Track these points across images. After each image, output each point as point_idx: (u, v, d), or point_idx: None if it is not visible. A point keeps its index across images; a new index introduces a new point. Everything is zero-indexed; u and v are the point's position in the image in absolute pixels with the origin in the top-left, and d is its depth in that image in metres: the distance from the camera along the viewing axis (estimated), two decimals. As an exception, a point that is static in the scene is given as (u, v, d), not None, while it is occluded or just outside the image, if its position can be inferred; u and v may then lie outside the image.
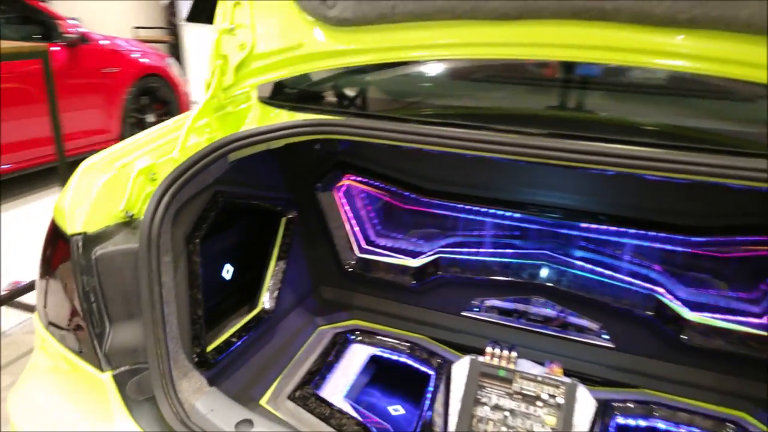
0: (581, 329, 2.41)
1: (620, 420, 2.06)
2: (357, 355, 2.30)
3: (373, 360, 2.31)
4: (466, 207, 2.35)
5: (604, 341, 2.31)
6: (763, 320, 2.14)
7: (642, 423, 2.09)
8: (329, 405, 1.99)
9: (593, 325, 2.36)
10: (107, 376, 1.55)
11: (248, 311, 2.22)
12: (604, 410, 2.05)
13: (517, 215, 2.31)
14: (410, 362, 2.27)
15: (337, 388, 2.17)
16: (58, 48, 6.14)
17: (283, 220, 2.38)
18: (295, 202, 2.44)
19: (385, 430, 2.03)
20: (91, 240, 1.55)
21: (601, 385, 2.19)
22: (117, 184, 1.64)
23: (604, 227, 2.21)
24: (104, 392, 1.55)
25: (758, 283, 2.20)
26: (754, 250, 2.11)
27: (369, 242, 2.63)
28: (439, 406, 2.09)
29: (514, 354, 2.15)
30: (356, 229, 2.58)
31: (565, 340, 2.37)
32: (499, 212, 2.32)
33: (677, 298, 2.22)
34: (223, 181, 1.79)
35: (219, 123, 2.01)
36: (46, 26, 6.21)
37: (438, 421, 2.00)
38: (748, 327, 2.14)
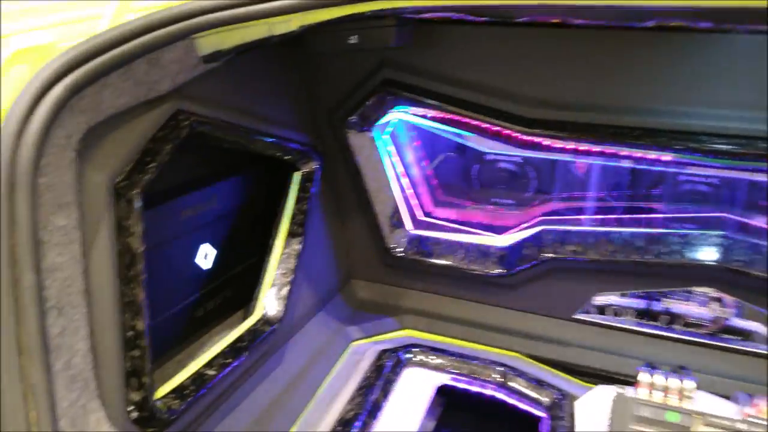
0: None
1: None
2: (417, 386, 1.57)
3: (442, 393, 1.57)
4: (587, 147, 1.45)
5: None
6: None
7: None
8: None
9: None
10: None
11: (239, 320, 1.35)
12: None
13: (673, 155, 1.40)
14: (502, 396, 1.41)
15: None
16: None
17: (297, 177, 1.55)
18: (317, 149, 1.57)
19: None
20: None
21: None
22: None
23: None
24: None
25: None
26: None
27: (427, 213, 1.75)
28: None
29: (690, 384, 1.27)
30: (409, 192, 1.71)
31: (750, 356, 1.49)
32: (642, 152, 1.42)
33: None
34: (190, 94, 1.14)
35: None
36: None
37: None
38: None
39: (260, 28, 1.14)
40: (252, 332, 1.32)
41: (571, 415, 1.37)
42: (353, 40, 1.37)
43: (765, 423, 1.22)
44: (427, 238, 1.74)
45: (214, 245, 1.44)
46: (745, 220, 1.50)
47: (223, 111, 1.29)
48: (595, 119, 1.42)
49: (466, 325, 1.72)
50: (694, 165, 1.45)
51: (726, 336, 1.59)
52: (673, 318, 1.64)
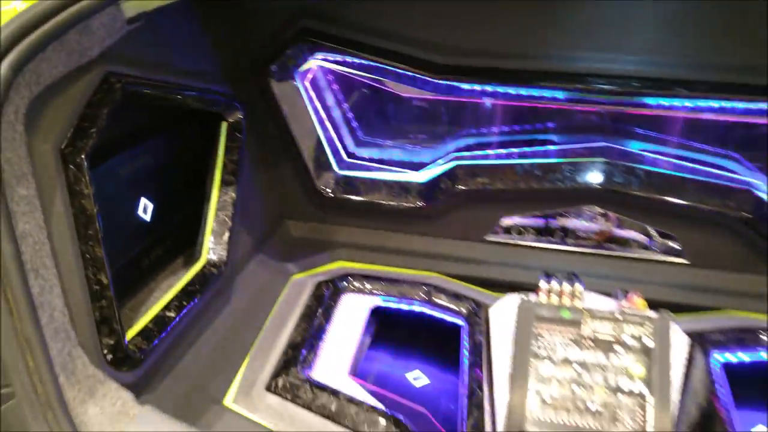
0: (645, 245, 1.83)
1: (718, 357, 1.52)
2: (354, 310, 1.72)
3: (376, 313, 1.75)
4: (493, 89, 1.63)
5: (678, 257, 1.74)
6: None
7: (745, 357, 1.55)
8: (332, 391, 1.31)
9: (663, 238, 1.78)
10: None
11: (186, 267, 1.46)
12: (699, 347, 1.50)
13: (564, 94, 1.62)
14: (428, 311, 1.63)
15: (335, 362, 1.49)
16: None
17: (224, 126, 1.62)
18: (240, 99, 1.63)
19: (419, 413, 1.38)
20: None
21: (677, 311, 1.61)
22: None
23: (684, 101, 1.57)
24: None
25: None
26: None
27: (350, 154, 1.89)
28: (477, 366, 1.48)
29: (579, 287, 1.53)
30: (332, 135, 1.82)
31: (627, 260, 1.79)
32: (540, 92, 1.62)
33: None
34: (118, 56, 1.16)
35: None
36: None
37: (482, 390, 1.38)
38: None
39: (184, -14, 1.19)
40: (201, 276, 1.44)
41: (486, 321, 1.61)
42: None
43: (637, 312, 1.52)
44: (353, 178, 1.88)
45: (151, 198, 1.51)
46: (623, 148, 1.76)
47: (150, 69, 1.32)
48: (499, 64, 1.59)
49: (392, 253, 1.91)
50: (581, 102, 1.68)
51: (608, 245, 1.90)
52: (566, 233, 1.92)
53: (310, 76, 1.76)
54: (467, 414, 1.37)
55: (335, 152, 1.87)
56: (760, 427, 1.51)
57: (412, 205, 1.80)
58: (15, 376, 0.83)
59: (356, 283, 1.77)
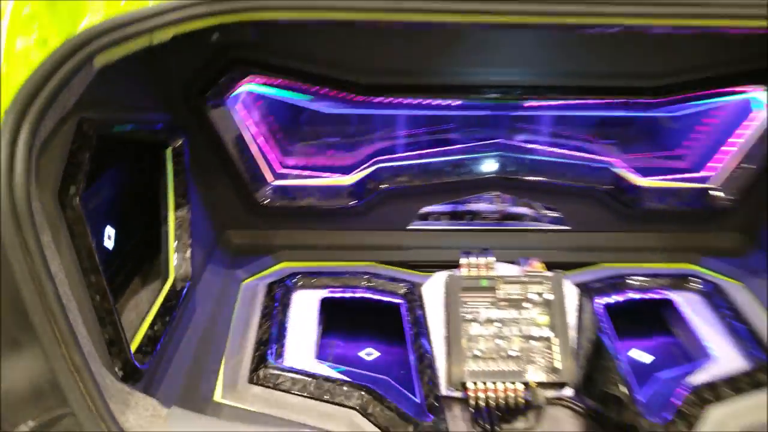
0: (535, 218, 2.23)
1: (599, 301, 1.95)
2: (306, 304, 1.89)
3: (324, 304, 1.91)
4: (405, 101, 1.92)
5: (562, 225, 2.16)
6: (701, 174, 2.15)
7: (619, 298, 2.00)
8: (307, 374, 1.54)
9: (549, 211, 2.19)
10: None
11: (159, 286, 1.60)
12: (585, 295, 1.91)
13: (464, 102, 1.96)
14: (371, 296, 1.89)
15: (302, 351, 1.71)
16: None
17: (169, 153, 1.73)
18: (178, 125, 1.78)
19: (382, 380, 1.65)
20: None
21: (565, 269, 2.03)
22: None
23: (556, 102, 1.97)
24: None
25: (685, 141, 2.23)
26: (696, 105, 2.05)
27: (283, 165, 2.09)
28: (421, 336, 1.77)
29: (491, 259, 1.88)
30: (266, 149, 2.01)
31: (523, 232, 2.18)
32: (444, 101, 1.94)
33: (629, 166, 2.12)
34: (86, 102, 1.24)
35: (48, 12, 1.27)
36: None
37: (426, 353, 1.69)
38: (689, 183, 2.14)
39: (144, 40, 1.33)
40: (173, 292, 1.58)
41: (420, 297, 1.91)
42: (215, 37, 1.59)
43: (537, 274, 1.90)
44: (288, 186, 2.07)
45: (114, 226, 1.62)
46: (513, 143, 2.14)
47: (110, 109, 1.44)
48: (412, 80, 1.87)
49: (329, 249, 2.11)
50: (478, 107, 2.03)
51: (507, 221, 2.28)
52: (473, 215, 2.28)
53: (241, 98, 1.93)
54: (420, 375, 1.66)
55: (269, 164, 2.05)
56: (635, 351, 1.96)
57: (343, 205, 2.04)
58: (73, 398, 0.98)
59: (304, 280, 1.98)
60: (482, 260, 1.90)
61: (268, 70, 1.83)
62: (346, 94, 1.86)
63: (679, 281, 2.04)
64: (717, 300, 1.94)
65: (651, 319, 2.04)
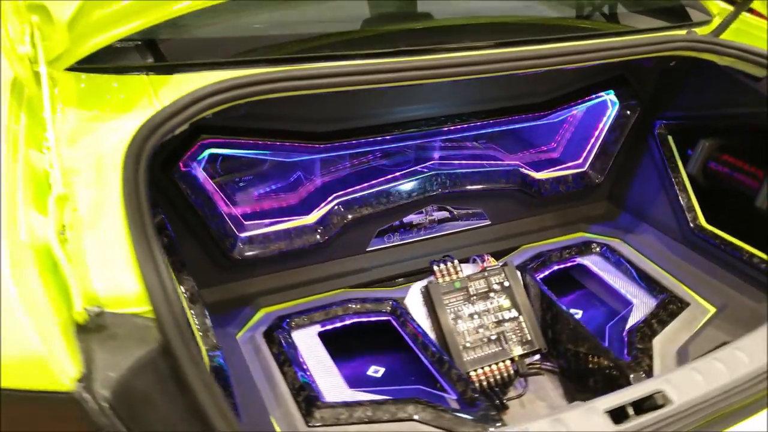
0: (456, 218, 2.57)
1: (537, 276, 2.38)
2: (308, 342, 2.00)
3: (321, 336, 2.04)
4: (353, 142, 2.14)
5: (485, 221, 2.55)
6: (579, 162, 2.71)
7: (547, 271, 2.46)
8: (355, 404, 1.70)
9: (465, 210, 2.55)
10: None
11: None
12: (526, 274, 2.33)
13: (401, 134, 2.24)
14: (360, 319, 2.10)
15: (334, 384, 1.85)
16: None
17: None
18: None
19: (416, 389, 1.87)
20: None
21: (495, 257, 2.44)
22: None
23: (474, 124, 2.36)
24: None
25: (556, 137, 2.80)
26: (568, 111, 2.59)
27: (247, 216, 2.16)
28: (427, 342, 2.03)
29: (456, 263, 2.21)
30: (229, 204, 2.08)
31: (458, 233, 2.53)
32: (384, 137, 2.20)
33: (529, 166, 2.60)
34: None
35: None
36: None
37: (443, 355, 1.96)
38: (571, 170, 2.69)
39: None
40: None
41: (405, 308, 2.16)
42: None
43: (493, 266, 2.26)
44: (257, 235, 2.13)
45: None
46: (443, 162, 2.47)
47: None
48: (358, 123, 2.11)
49: (302, 286, 2.24)
50: (412, 138, 2.32)
51: (438, 226, 2.60)
52: (413, 227, 2.57)
53: (205, 160, 1.96)
54: (446, 375, 1.91)
55: (234, 219, 2.10)
56: (573, 310, 2.44)
57: (314, 243, 2.18)
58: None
59: (295, 321, 2.09)
60: (450, 265, 2.22)
61: (232, 133, 1.91)
62: (306, 143, 2.02)
63: (583, 248, 2.58)
64: (613, 257, 2.51)
65: (567, 281, 2.56)
